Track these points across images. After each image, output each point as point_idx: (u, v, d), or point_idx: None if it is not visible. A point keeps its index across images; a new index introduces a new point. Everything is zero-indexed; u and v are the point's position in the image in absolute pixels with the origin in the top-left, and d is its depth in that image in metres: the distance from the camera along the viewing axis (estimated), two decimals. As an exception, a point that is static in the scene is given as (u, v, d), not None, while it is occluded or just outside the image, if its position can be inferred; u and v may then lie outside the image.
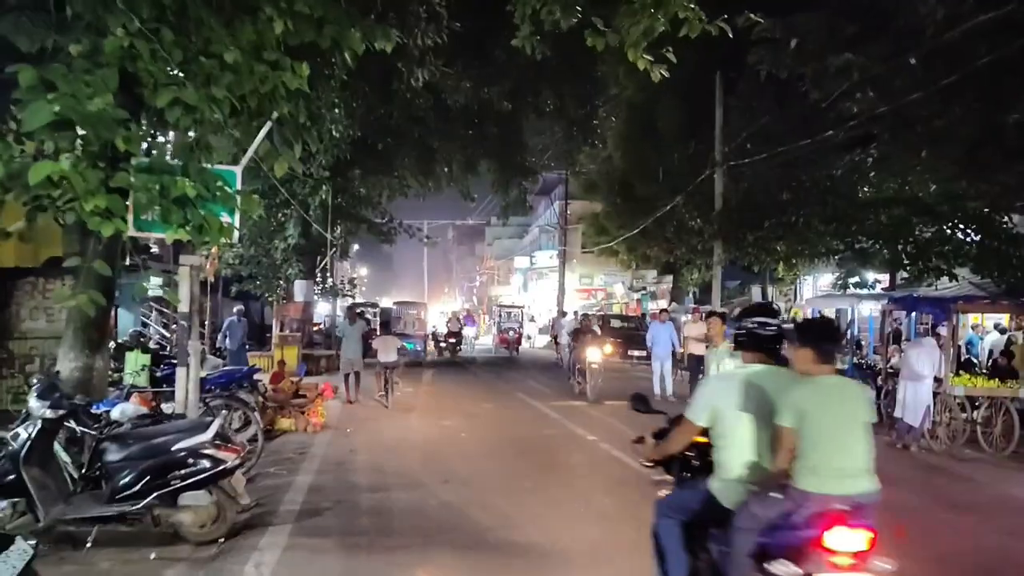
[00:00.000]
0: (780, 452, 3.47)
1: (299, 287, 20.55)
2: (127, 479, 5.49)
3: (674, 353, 16.26)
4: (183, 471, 5.50)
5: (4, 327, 12.19)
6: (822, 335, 3.64)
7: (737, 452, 3.66)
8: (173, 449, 5.56)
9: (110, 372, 10.52)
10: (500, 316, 36.91)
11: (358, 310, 15.71)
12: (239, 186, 6.98)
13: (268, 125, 7.32)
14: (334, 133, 16.93)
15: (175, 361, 11.23)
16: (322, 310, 27.02)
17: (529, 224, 60.11)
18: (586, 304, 42.64)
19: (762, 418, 3.58)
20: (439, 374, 21.10)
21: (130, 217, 6.73)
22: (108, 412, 6.72)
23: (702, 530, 3.80)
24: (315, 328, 23.61)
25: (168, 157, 6.09)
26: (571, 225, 39.49)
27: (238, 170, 7.17)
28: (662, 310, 18.61)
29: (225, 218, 6.76)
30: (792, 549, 3.37)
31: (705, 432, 3.80)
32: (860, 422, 3.47)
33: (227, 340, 16.82)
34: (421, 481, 8.14)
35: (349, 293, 24.88)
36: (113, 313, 16.09)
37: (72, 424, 6.18)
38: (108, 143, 5.35)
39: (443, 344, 27.99)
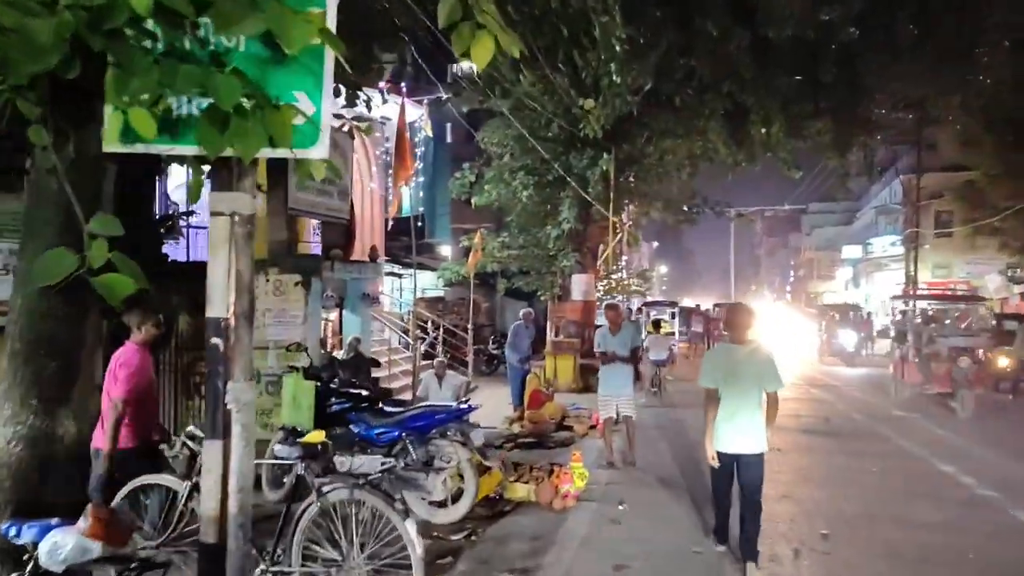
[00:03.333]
0: None
1: (577, 282, 16.68)
2: None
3: None
4: None
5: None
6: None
7: None
8: None
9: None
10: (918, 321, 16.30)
11: (612, 309, 9.43)
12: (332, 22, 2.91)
13: None
14: (614, 77, 12.75)
15: (361, 392, 7.80)
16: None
17: (857, 208, 51.09)
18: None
19: None
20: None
21: (107, 112, 3.01)
22: (34, 546, 3.11)
23: None
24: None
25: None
26: (923, 202, 31.20)
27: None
28: None
29: (305, 105, 2.87)
30: None
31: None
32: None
33: (510, 351, 13.26)
34: None
35: (640, 289, 20.58)
36: (336, 318, 13.41)
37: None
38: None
39: None
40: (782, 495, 7.76)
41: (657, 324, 16.18)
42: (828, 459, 9.91)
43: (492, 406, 13.20)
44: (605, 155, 15.05)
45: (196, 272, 9.88)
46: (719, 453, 5.44)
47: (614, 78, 12.94)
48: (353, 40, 8.89)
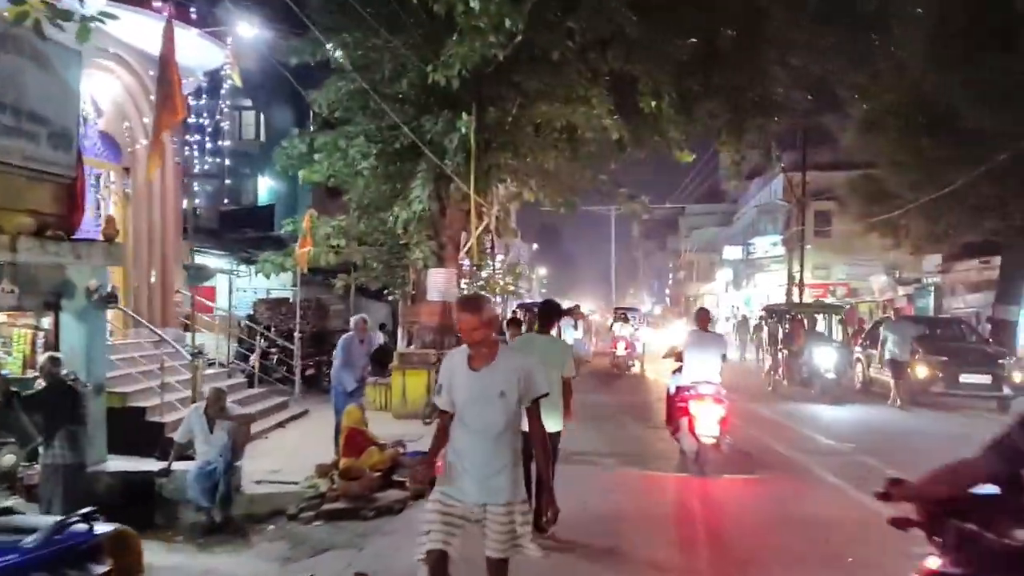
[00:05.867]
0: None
1: (433, 278, 13.33)
2: None
3: None
4: None
5: None
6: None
7: None
8: None
9: None
10: None
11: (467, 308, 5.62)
12: None
13: None
14: (471, 4, 9.60)
15: None
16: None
17: (735, 210, 50.50)
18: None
19: None
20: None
21: None
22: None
23: None
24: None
25: None
26: (806, 199, 29.92)
27: None
28: None
29: None
30: None
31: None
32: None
33: (345, 373, 9.61)
34: None
35: (513, 287, 17.44)
36: (52, 325, 8.98)
37: None
38: None
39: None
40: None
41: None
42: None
43: (316, 444, 9.66)
44: (464, 115, 11.79)
45: None
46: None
47: (471, 4, 9.77)
48: None
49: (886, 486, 2.43)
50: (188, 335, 15.53)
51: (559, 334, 14.86)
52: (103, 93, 11.15)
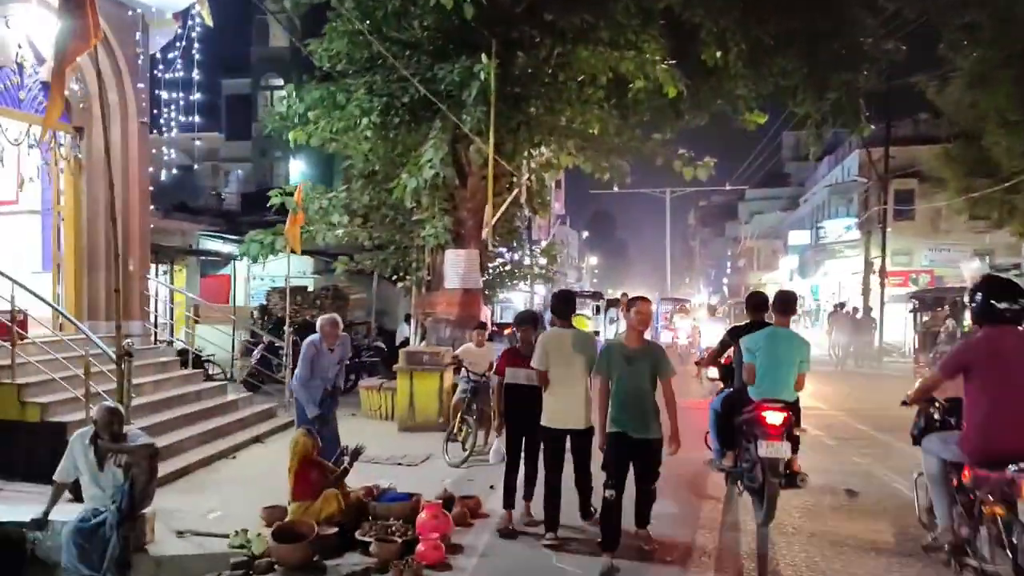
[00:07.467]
0: None
1: (452, 261, 11.07)
2: None
3: None
4: None
5: None
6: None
7: None
8: None
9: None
10: None
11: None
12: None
13: None
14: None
15: None
16: (517, 302, 17.49)
17: (798, 195, 47.14)
18: (898, 294, 29.16)
19: None
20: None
21: None
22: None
23: None
24: (497, 332, 14.02)
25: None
26: (890, 176, 26.74)
27: None
28: None
29: None
30: None
31: None
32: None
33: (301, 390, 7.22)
34: None
35: (549, 272, 15.01)
36: None
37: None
38: None
39: None
40: None
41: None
42: None
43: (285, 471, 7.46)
44: (484, 58, 9.47)
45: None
46: (550, 429, 5.71)
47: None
48: None
49: (694, 360, 12.38)
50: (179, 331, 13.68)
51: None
52: (43, 34, 9.19)
